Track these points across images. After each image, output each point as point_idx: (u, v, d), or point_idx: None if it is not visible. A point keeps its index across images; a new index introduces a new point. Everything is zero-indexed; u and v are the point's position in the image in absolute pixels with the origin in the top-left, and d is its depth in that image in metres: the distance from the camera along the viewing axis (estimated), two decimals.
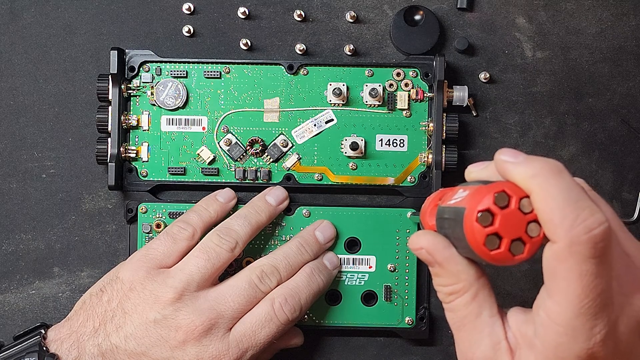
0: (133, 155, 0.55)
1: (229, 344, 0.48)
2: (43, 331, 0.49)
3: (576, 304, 0.34)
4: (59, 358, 0.47)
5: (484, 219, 0.36)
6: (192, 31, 0.56)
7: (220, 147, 0.55)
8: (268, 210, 0.53)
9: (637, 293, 0.36)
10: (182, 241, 0.50)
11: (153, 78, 0.55)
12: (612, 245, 0.35)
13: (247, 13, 0.56)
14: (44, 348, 0.48)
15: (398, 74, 0.55)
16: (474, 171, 0.41)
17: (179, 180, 0.55)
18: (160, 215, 0.55)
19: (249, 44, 0.56)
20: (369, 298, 0.55)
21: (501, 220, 0.36)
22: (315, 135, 0.55)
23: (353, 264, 0.55)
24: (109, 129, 0.54)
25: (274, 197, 0.54)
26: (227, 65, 0.55)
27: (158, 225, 0.55)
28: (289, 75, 0.55)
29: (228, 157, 0.55)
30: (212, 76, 0.55)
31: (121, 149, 0.54)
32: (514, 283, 0.56)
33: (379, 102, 0.55)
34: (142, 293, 0.48)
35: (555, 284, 0.35)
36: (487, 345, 0.38)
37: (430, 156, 0.54)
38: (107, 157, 0.54)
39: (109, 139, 0.54)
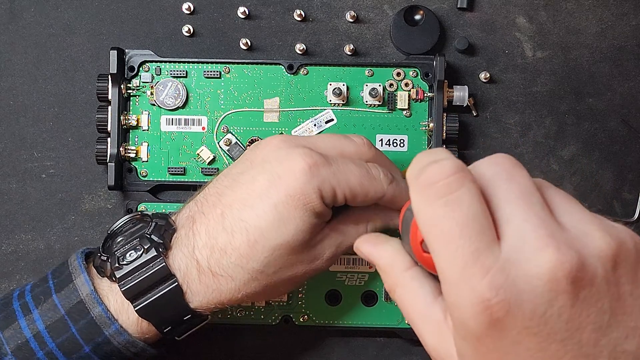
0: (133, 155, 0.55)
1: (310, 150, 0.46)
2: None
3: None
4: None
5: None
6: (191, 31, 0.56)
7: (220, 147, 0.55)
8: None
9: None
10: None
11: (153, 78, 0.55)
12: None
13: (247, 13, 0.56)
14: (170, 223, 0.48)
15: (398, 74, 0.55)
16: None
17: (178, 180, 0.55)
18: None
19: (249, 43, 0.56)
20: (369, 298, 0.55)
21: None
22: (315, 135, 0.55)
23: (353, 264, 0.55)
24: (109, 129, 0.54)
25: None
26: (227, 65, 0.55)
27: None
28: (289, 75, 0.55)
29: (228, 157, 0.55)
30: (212, 76, 0.55)
31: (121, 149, 0.54)
32: None
33: (379, 102, 0.55)
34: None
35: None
36: (431, 333, 0.37)
37: None
38: (106, 157, 0.54)
39: (109, 139, 0.54)
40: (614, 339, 0.32)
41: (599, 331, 0.32)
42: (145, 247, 0.46)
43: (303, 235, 0.45)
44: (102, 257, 0.46)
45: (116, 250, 0.46)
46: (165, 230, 0.47)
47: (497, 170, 0.35)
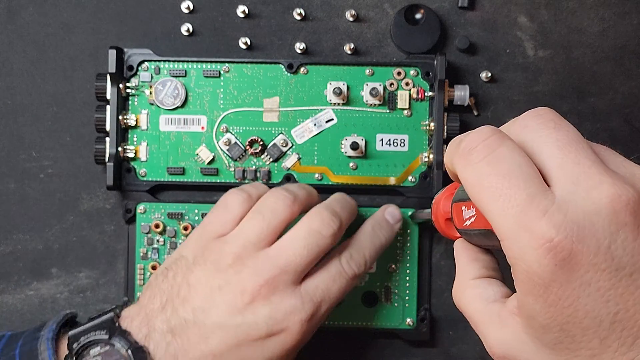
0: (132, 155, 0.54)
1: (301, 297, 0.47)
2: (117, 310, 0.48)
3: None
4: (130, 334, 0.46)
5: None
6: (191, 30, 0.56)
7: (220, 147, 0.55)
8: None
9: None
10: (237, 209, 0.50)
11: (152, 77, 0.55)
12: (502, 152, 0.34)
13: (247, 12, 0.55)
14: (116, 324, 0.46)
15: (399, 73, 0.54)
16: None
17: (178, 180, 0.55)
18: (159, 216, 0.54)
19: (249, 42, 0.55)
20: (369, 299, 0.55)
21: None
22: (315, 134, 0.55)
23: None
24: (108, 129, 0.54)
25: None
26: (227, 64, 0.55)
27: (157, 226, 0.54)
28: (288, 74, 0.55)
29: (227, 157, 0.55)
30: (211, 75, 0.54)
31: (120, 148, 0.54)
32: None
33: (380, 101, 0.54)
34: (204, 265, 0.47)
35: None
36: (494, 328, 0.37)
37: (431, 156, 0.54)
38: (105, 156, 0.54)
39: (108, 139, 0.54)
40: None
41: None
42: None
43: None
44: None
45: None
46: None
47: (543, 120, 0.36)
